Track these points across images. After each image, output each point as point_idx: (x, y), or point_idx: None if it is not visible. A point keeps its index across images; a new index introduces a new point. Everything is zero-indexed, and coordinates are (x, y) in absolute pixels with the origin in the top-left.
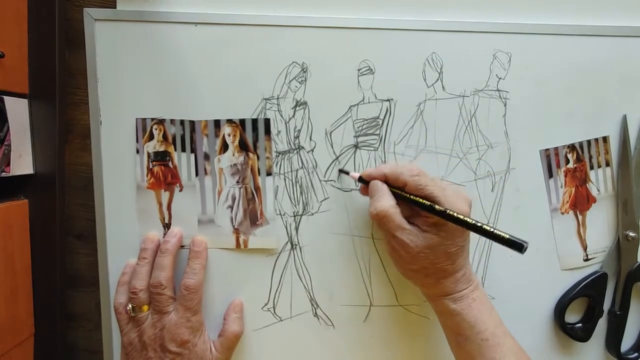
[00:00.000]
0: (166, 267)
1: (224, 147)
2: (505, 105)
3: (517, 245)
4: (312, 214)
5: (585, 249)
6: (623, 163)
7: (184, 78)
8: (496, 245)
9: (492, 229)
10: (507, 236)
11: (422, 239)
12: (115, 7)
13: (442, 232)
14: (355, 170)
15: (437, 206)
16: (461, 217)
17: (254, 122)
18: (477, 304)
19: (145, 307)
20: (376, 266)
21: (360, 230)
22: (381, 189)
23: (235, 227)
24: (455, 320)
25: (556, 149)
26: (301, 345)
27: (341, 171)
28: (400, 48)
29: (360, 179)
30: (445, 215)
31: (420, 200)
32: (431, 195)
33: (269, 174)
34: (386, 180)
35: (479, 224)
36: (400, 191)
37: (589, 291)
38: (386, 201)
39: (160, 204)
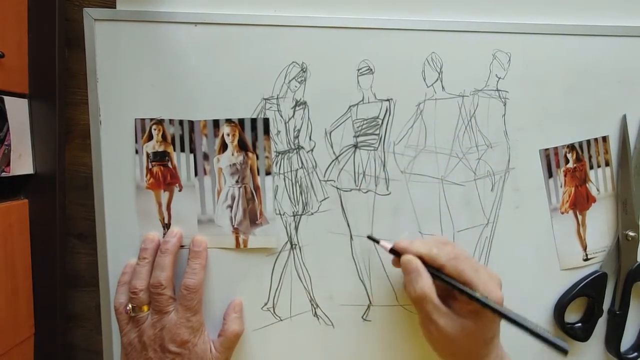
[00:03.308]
0: (166, 267)
1: (223, 147)
2: (504, 105)
3: (561, 349)
4: (312, 214)
5: (584, 248)
6: (623, 163)
7: (184, 78)
8: (496, 245)
9: (536, 329)
10: (551, 339)
11: (458, 324)
12: (115, 7)
13: (480, 320)
14: (356, 171)
15: (483, 298)
16: (508, 313)
17: (253, 121)
18: None
19: (145, 307)
20: (376, 266)
21: (359, 230)
22: (419, 268)
23: (235, 226)
24: None
25: (556, 148)
26: (301, 345)
27: (370, 238)
28: (400, 48)
29: (392, 251)
30: (488, 306)
31: (464, 287)
32: (469, 281)
33: (268, 173)
34: (420, 257)
35: (526, 323)
36: (439, 272)
37: (588, 291)
38: (426, 283)
39: (160, 204)
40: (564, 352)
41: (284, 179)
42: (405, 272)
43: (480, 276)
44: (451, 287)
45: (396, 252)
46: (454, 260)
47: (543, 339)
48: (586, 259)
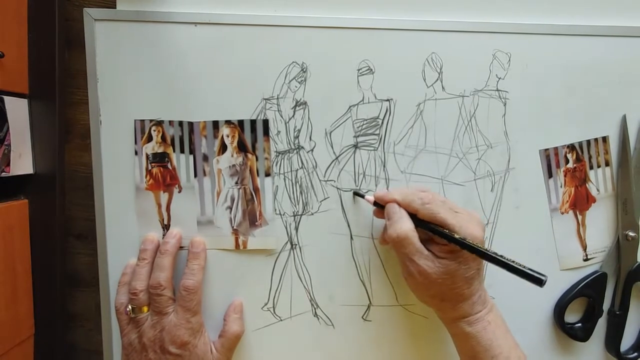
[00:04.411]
0: (165, 268)
1: (223, 148)
2: (504, 105)
3: (536, 279)
4: (312, 214)
5: (584, 248)
6: (623, 163)
7: (184, 78)
8: (496, 246)
9: (510, 262)
10: (527, 270)
11: (439, 265)
12: (115, 7)
13: (459, 258)
14: (356, 171)
15: (456, 235)
16: (480, 248)
17: (252, 123)
18: (492, 326)
19: (145, 308)
20: (376, 266)
21: (359, 230)
22: (399, 212)
23: (235, 227)
24: (470, 343)
25: (556, 148)
26: (301, 345)
27: (356, 193)
28: (400, 48)
29: (376, 203)
30: (464, 245)
31: (440, 229)
32: (443, 222)
33: (267, 174)
34: (398, 205)
35: (498, 256)
36: (416, 217)
37: (588, 291)
38: (406, 224)
39: (160, 205)
40: (540, 282)
41: (284, 179)
42: (387, 217)
43: (458, 217)
44: (426, 229)
45: (380, 205)
46: (428, 205)
47: (519, 272)
48: (586, 259)
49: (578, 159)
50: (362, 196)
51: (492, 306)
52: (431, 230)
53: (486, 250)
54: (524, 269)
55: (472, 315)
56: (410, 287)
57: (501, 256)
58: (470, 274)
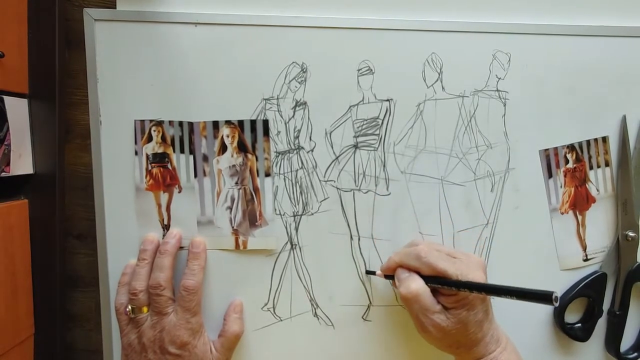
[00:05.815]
0: (165, 268)
1: (223, 148)
2: (504, 105)
3: (547, 299)
4: (312, 214)
5: (584, 249)
6: (623, 163)
7: (184, 78)
8: (496, 246)
9: (517, 289)
10: (535, 290)
11: (450, 316)
12: (115, 7)
13: (467, 305)
14: (356, 171)
15: (464, 280)
16: (490, 285)
17: (252, 123)
18: None
19: (145, 309)
20: (376, 266)
21: (360, 231)
22: (408, 272)
23: (235, 228)
24: None
25: (555, 149)
26: (301, 345)
27: (368, 272)
28: (400, 48)
29: (387, 276)
30: (472, 287)
31: (446, 279)
32: (444, 272)
33: (267, 174)
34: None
35: (505, 288)
36: (421, 275)
37: (588, 291)
38: (417, 283)
39: (160, 206)
40: (550, 300)
41: (284, 179)
42: (399, 280)
43: (457, 265)
44: (434, 283)
45: (390, 276)
46: (424, 259)
47: (527, 296)
48: (586, 260)
49: (578, 159)
50: (374, 273)
51: (507, 343)
52: (439, 283)
53: (495, 286)
54: (531, 290)
55: (486, 356)
56: (427, 341)
57: (501, 285)
58: (479, 317)
